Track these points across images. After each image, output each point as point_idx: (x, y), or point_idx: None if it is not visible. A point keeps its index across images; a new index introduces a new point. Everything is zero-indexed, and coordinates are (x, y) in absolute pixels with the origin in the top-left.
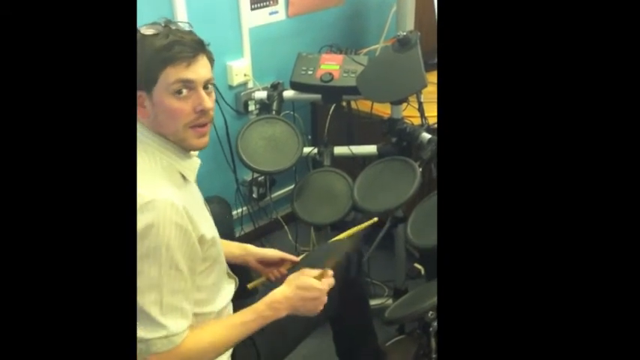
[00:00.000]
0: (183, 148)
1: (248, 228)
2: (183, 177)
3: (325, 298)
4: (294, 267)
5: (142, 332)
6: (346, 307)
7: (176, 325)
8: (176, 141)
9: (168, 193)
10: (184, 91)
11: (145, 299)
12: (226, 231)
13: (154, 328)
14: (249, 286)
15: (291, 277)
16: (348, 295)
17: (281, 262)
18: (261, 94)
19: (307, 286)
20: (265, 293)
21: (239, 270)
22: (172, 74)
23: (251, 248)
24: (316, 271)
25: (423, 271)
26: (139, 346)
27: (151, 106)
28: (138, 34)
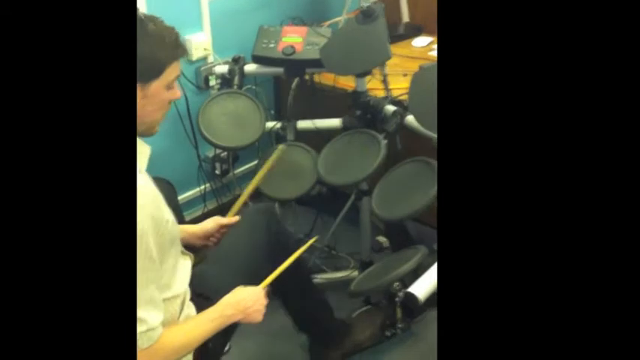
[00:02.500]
0: (145, 135)
1: (211, 205)
2: None
3: (264, 305)
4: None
5: None
6: (279, 264)
7: (153, 317)
8: (147, 129)
9: (140, 182)
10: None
11: None
12: (174, 214)
13: None
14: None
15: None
16: (276, 250)
17: (221, 227)
18: (222, 69)
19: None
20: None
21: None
22: (175, 70)
23: (191, 228)
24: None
25: (387, 244)
26: None
27: (142, 97)
28: (139, 20)
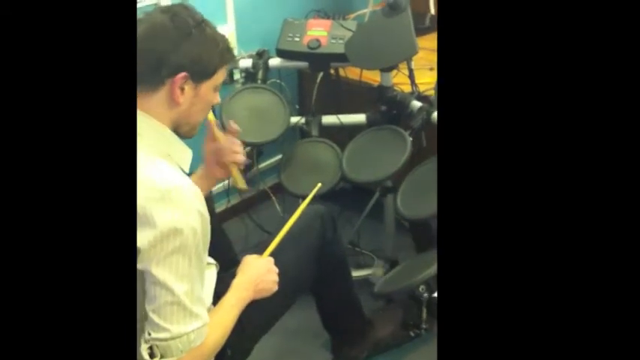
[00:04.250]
0: (186, 136)
1: (235, 200)
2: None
3: (275, 274)
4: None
5: (180, 327)
6: (325, 272)
7: (204, 313)
8: (188, 130)
9: (186, 180)
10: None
11: (180, 290)
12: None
13: (190, 320)
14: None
15: (240, 267)
16: (325, 259)
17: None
18: (246, 63)
19: (258, 272)
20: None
21: (219, 252)
22: (222, 74)
23: (193, 178)
24: (254, 257)
25: None
26: (176, 344)
27: (193, 96)
28: (197, 20)
